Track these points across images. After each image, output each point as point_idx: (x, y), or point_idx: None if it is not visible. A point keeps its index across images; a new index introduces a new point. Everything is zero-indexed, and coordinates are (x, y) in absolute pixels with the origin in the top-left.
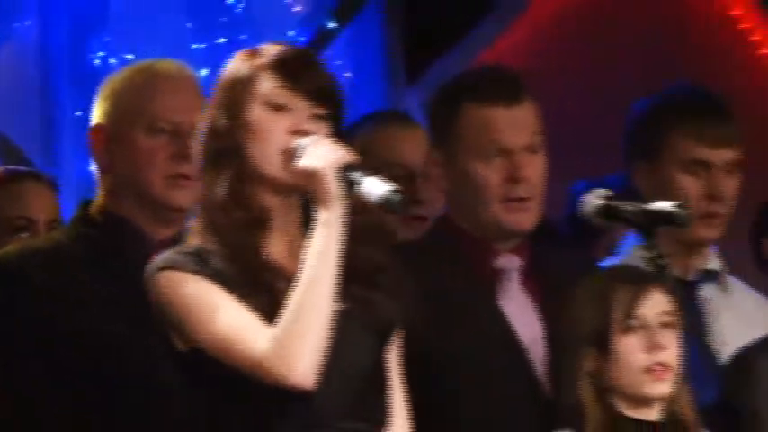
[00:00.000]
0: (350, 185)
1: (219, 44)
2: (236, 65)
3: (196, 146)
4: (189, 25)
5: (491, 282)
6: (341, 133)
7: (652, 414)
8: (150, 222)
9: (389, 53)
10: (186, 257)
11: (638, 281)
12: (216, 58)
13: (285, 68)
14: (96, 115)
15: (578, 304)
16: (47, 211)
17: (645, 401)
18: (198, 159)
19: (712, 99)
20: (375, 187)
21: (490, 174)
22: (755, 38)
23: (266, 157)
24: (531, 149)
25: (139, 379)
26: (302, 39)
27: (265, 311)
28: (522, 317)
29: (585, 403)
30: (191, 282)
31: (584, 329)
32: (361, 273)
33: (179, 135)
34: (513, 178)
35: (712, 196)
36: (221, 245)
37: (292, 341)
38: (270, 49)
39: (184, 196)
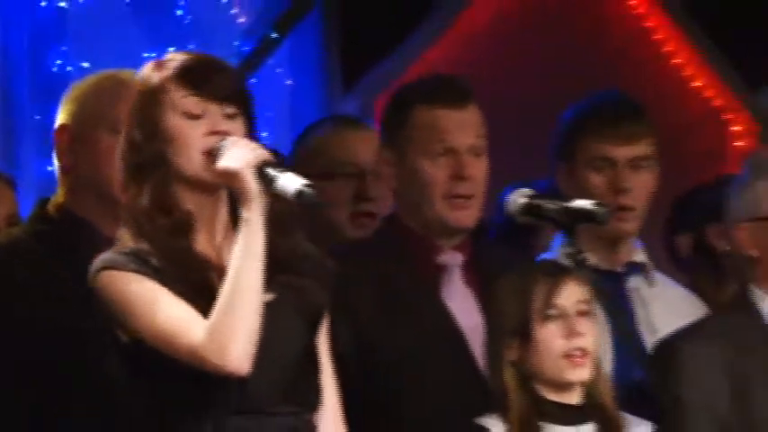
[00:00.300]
0: (268, 182)
1: (169, 53)
2: (144, 79)
3: (117, 161)
4: (140, 35)
5: (435, 277)
6: (254, 128)
7: (573, 398)
8: (109, 221)
9: (327, 62)
10: (125, 257)
11: (555, 273)
12: None
13: (190, 77)
14: (62, 116)
15: (501, 297)
16: (5, 207)
17: (565, 386)
18: (120, 173)
19: (619, 102)
20: (290, 182)
21: (436, 171)
22: (668, 48)
23: (189, 161)
24: (475, 151)
25: (91, 371)
26: (246, 48)
27: (201, 305)
28: (464, 310)
29: (509, 389)
30: (131, 280)
31: (506, 320)
32: (287, 262)
33: None
34: (457, 176)
35: (618, 190)
36: (154, 248)
37: (224, 332)
38: (174, 60)
39: None
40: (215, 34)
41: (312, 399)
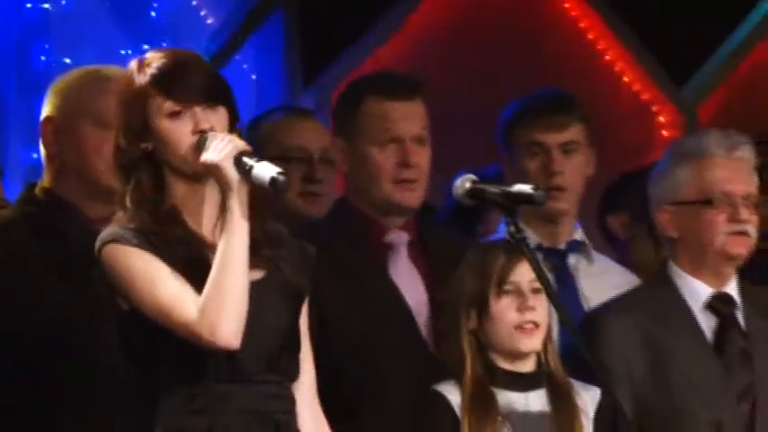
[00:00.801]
0: (246, 171)
1: (144, 50)
2: (128, 82)
3: (108, 156)
4: (118, 34)
5: (383, 255)
6: (236, 115)
7: (525, 366)
8: (91, 203)
9: (289, 59)
10: (130, 233)
11: (511, 252)
12: None
13: (168, 82)
14: (47, 109)
15: (461, 273)
16: None
17: (518, 355)
18: (114, 168)
19: (550, 95)
20: (265, 171)
21: (384, 158)
22: (600, 47)
23: (177, 157)
24: (419, 140)
25: (81, 340)
26: (215, 47)
27: (197, 281)
28: (410, 286)
29: (466, 357)
30: (134, 254)
31: (466, 293)
32: (271, 246)
33: None
34: (403, 163)
35: (550, 173)
36: (152, 228)
37: (214, 310)
38: (153, 62)
39: None
40: (186, 34)
41: (292, 370)
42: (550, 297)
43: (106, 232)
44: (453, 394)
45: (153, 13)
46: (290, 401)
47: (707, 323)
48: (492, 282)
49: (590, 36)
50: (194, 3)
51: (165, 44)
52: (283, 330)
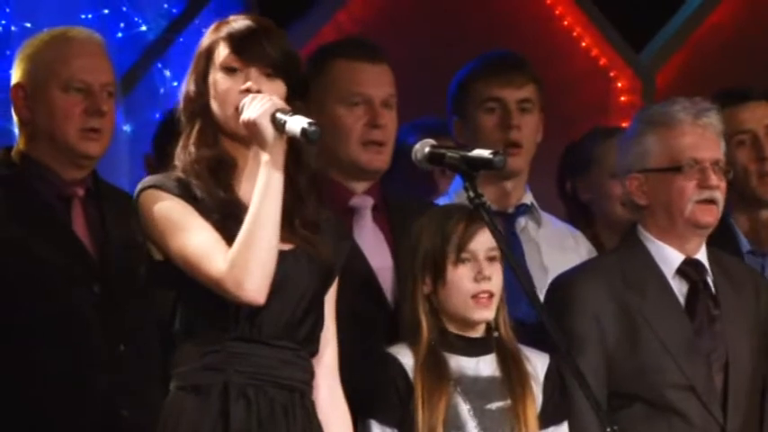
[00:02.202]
0: (280, 126)
1: (104, 14)
2: (205, 38)
3: (180, 108)
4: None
5: (347, 219)
6: (297, 89)
7: (475, 332)
8: (65, 166)
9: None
10: (172, 182)
11: (471, 219)
12: (101, 26)
13: (235, 39)
14: (16, 75)
15: (417, 237)
16: None
17: (470, 324)
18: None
19: (506, 55)
20: (297, 123)
21: (353, 119)
22: (558, 11)
23: (224, 113)
24: (387, 103)
25: (50, 299)
26: (175, 10)
27: (231, 237)
28: (374, 248)
29: (421, 322)
30: (172, 202)
31: (423, 258)
32: (307, 221)
33: (90, 93)
34: (372, 124)
35: (508, 127)
36: (197, 179)
37: (242, 264)
38: (231, 23)
39: (95, 147)
40: None
41: (311, 343)
42: (513, 267)
43: (149, 178)
44: (406, 357)
45: None
46: (308, 373)
47: (678, 288)
48: (450, 249)
49: (548, 1)
50: None
51: (125, 8)
52: (306, 301)
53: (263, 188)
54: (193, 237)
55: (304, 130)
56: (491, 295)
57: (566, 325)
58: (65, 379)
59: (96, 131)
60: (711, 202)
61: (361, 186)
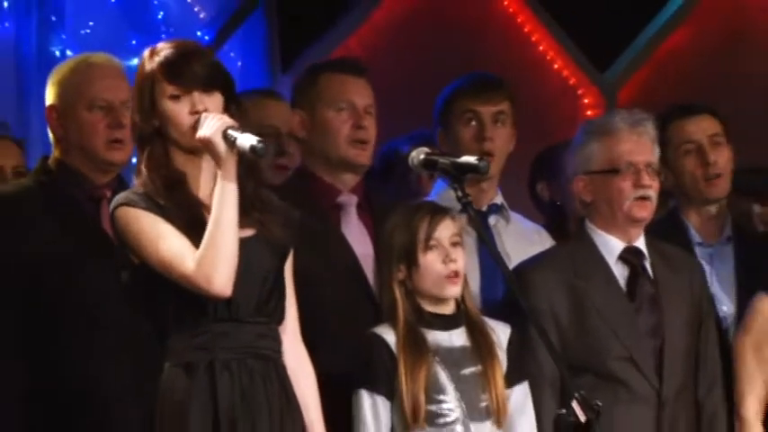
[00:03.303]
0: (232, 142)
1: (147, 40)
2: (142, 67)
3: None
4: (125, 27)
5: (335, 215)
6: (232, 98)
7: (447, 309)
8: (94, 172)
9: (269, 48)
10: (138, 197)
11: (435, 212)
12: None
13: (171, 70)
14: (50, 97)
15: (392, 230)
16: (12, 161)
17: (442, 300)
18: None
19: (484, 75)
20: (246, 140)
21: (341, 121)
22: (534, 38)
23: (180, 134)
24: (368, 110)
25: (82, 286)
26: (207, 37)
27: (196, 237)
28: (359, 241)
29: (398, 303)
30: (142, 216)
31: (397, 248)
32: (262, 209)
33: (112, 109)
34: (357, 125)
35: (483, 138)
36: (156, 195)
37: (209, 263)
38: (161, 52)
39: (120, 155)
40: (183, 26)
41: (278, 314)
42: (491, 251)
43: (120, 196)
44: (389, 335)
45: (155, 11)
46: (277, 341)
47: (620, 272)
48: (419, 239)
49: (526, 29)
50: (189, 0)
51: (164, 36)
52: (270, 279)
53: (219, 197)
54: (164, 243)
55: (252, 147)
56: (457, 274)
57: (529, 304)
58: (100, 356)
59: (119, 142)
60: (646, 198)
61: (347, 182)
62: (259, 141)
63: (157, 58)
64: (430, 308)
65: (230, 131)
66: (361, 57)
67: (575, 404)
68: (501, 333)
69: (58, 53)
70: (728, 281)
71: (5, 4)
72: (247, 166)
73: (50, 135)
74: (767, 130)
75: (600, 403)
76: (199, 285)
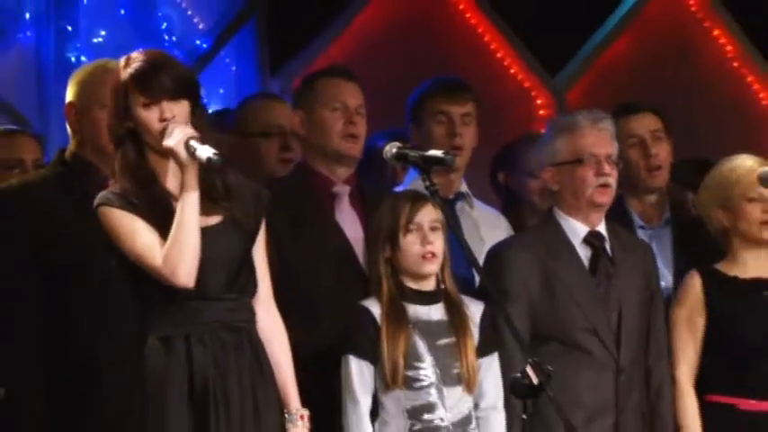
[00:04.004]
0: (192, 152)
1: (153, 46)
2: (117, 75)
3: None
4: (132, 35)
5: (330, 203)
6: (197, 104)
7: (427, 286)
8: (104, 164)
9: (260, 54)
10: (114, 197)
11: (415, 199)
12: None
13: (140, 83)
14: (69, 95)
15: (380, 214)
16: (32, 155)
17: (421, 277)
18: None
19: (453, 79)
20: (204, 152)
21: (335, 119)
22: (493, 46)
23: (152, 138)
24: (359, 111)
25: (91, 265)
26: (205, 45)
27: (167, 231)
28: (351, 226)
29: (383, 279)
30: (116, 214)
31: (382, 232)
32: (227, 194)
33: None
34: (349, 122)
35: (453, 135)
36: (130, 193)
37: (173, 259)
38: (133, 63)
39: None
40: (183, 36)
41: (249, 288)
42: (458, 235)
43: (99, 196)
44: (375, 307)
45: (159, 22)
46: (249, 313)
47: (584, 253)
48: (401, 223)
49: (486, 38)
50: (189, 12)
51: (167, 44)
52: (237, 259)
53: (182, 202)
54: (137, 239)
55: (209, 158)
56: (434, 254)
57: (500, 283)
58: (103, 327)
59: None
60: (606, 186)
61: (341, 175)
62: (215, 154)
63: (129, 70)
64: (412, 284)
65: (192, 142)
66: (341, 63)
67: (529, 369)
68: (475, 309)
69: (73, 59)
70: (667, 259)
71: (27, 15)
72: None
73: (68, 129)
74: (699, 127)
75: (551, 368)
76: (164, 278)
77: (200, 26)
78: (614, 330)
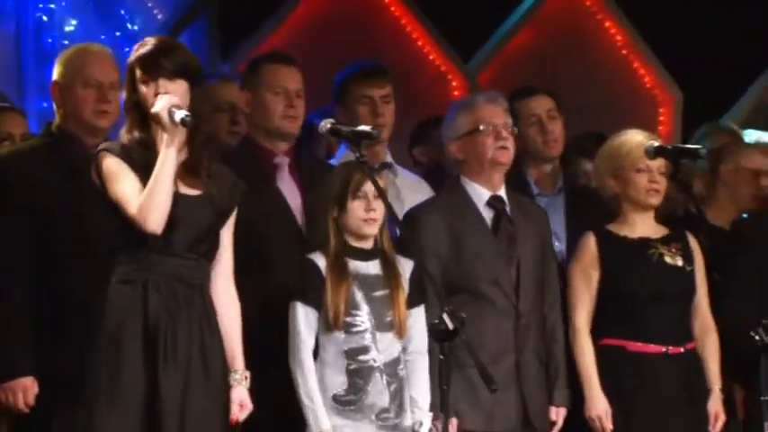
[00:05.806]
0: (172, 116)
1: (117, 36)
2: (131, 56)
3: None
4: (99, 24)
5: (272, 172)
6: (196, 83)
7: (366, 244)
8: (86, 135)
9: (211, 41)
10: (117, 146)
11: (362, 171)
12: (114, 44)
13: (143, 63)
14: (55, 75)
15: (332, 178)
16: (20, 129)
17: (363, 237)
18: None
19: (372, 64)
20: (179, 114)
21: (277, 101)
22: (414, 35)
23: (148, 109)
24: (298, 94)
25: (81, 223)
26: (162, 33)
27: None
28: (291, 193)
29: (330, 235)
30: (112, 160)
31: (332, 195)
32: (209, 174)
33: (101, 87)
34: (289, 104)
35: (376, 114)
36: (132, 149)
37: (146, 208)
38: (143, 47)
39: (105, 122)
40: (144, 25)
41: (209, 254)
42: (384, 201)
43: (104, 143)
44: (320, 260)
45: (122, 11)
46: (204, 273)
47: (487, 215)
48: (349, 189)
49: (408, 29)
50: (149, 4)
51: (129, 32)
52: (204, 230)
53: (161, 157)
54: (121, 185)
55: (182, 119)
56: (375, 219)
57: (416, 242)
58: (91, 277)
59: (105, 112)
60: (505, 148)
61: (281, 148)
62: (186, 116)
63: (139, 51)
64: (354, 242)
65: (173, 109)
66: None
67: (444, 316)
68: (406, 266)
69: (49, 45)
70: (560, 223)
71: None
72: (207, 142)
73: (54, 105)
74: (593, 107)
75: (464, 315)
76: (137, 224)
77: (159, 16)
78: (514, 282)
